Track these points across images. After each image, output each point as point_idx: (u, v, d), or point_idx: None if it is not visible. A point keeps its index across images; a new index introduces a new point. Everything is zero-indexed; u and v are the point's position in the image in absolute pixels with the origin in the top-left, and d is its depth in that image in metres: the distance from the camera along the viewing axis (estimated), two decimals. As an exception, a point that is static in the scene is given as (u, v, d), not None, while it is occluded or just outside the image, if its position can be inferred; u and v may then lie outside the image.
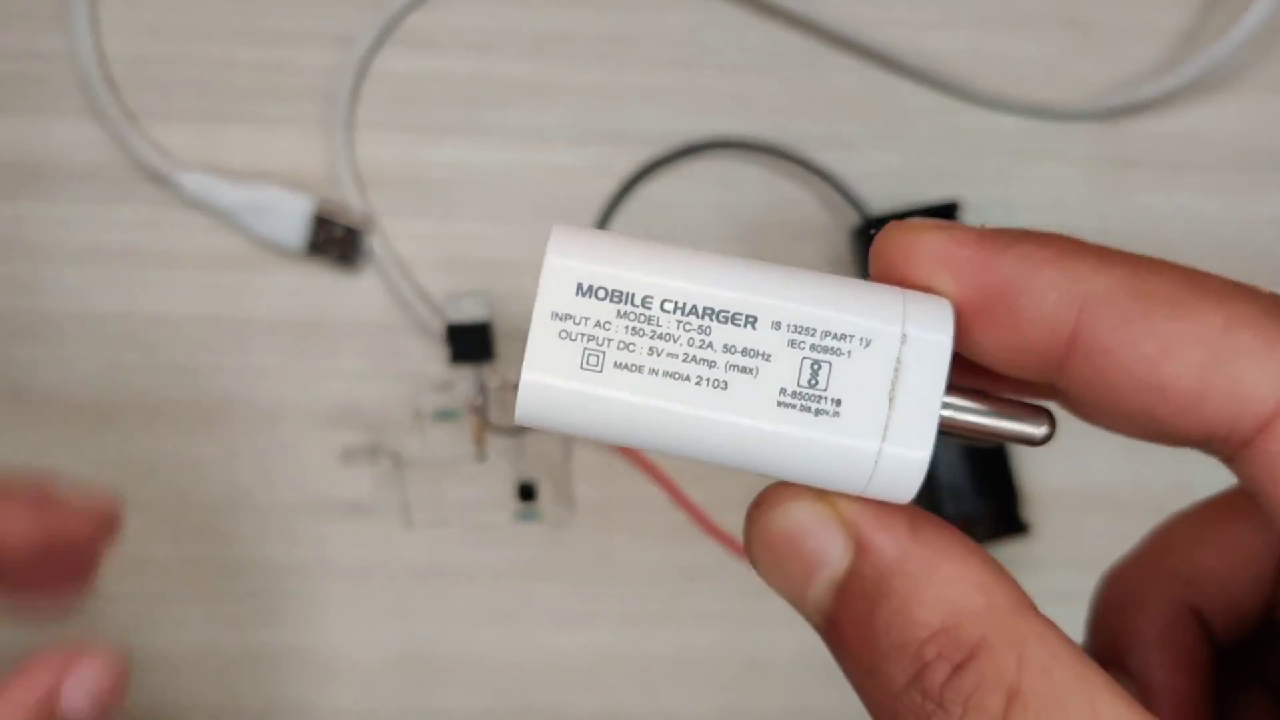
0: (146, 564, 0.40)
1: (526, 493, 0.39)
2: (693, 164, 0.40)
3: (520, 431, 0.38)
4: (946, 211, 0.39)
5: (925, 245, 0.16)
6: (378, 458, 0.38)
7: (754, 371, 0.15)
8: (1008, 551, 0.39)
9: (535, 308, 0.16)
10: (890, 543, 0.16)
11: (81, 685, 0.24)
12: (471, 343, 0.37)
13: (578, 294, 0.16)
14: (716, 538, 0.39)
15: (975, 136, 0.41)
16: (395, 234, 0.40)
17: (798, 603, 0.17)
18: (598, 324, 0.16)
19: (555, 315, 0.16)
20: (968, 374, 0.17)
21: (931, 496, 0.38)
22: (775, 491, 0.17)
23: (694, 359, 0.15)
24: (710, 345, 0.15)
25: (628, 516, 0.40)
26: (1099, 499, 0.40)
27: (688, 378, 0.15)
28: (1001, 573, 0.16)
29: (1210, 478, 0.44)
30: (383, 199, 0.40)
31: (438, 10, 0.41)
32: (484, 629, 0.40)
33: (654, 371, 0.15)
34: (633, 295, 0.16)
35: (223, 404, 0.40)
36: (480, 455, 0.38)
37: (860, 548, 0.16)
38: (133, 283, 0.40)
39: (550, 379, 0.16)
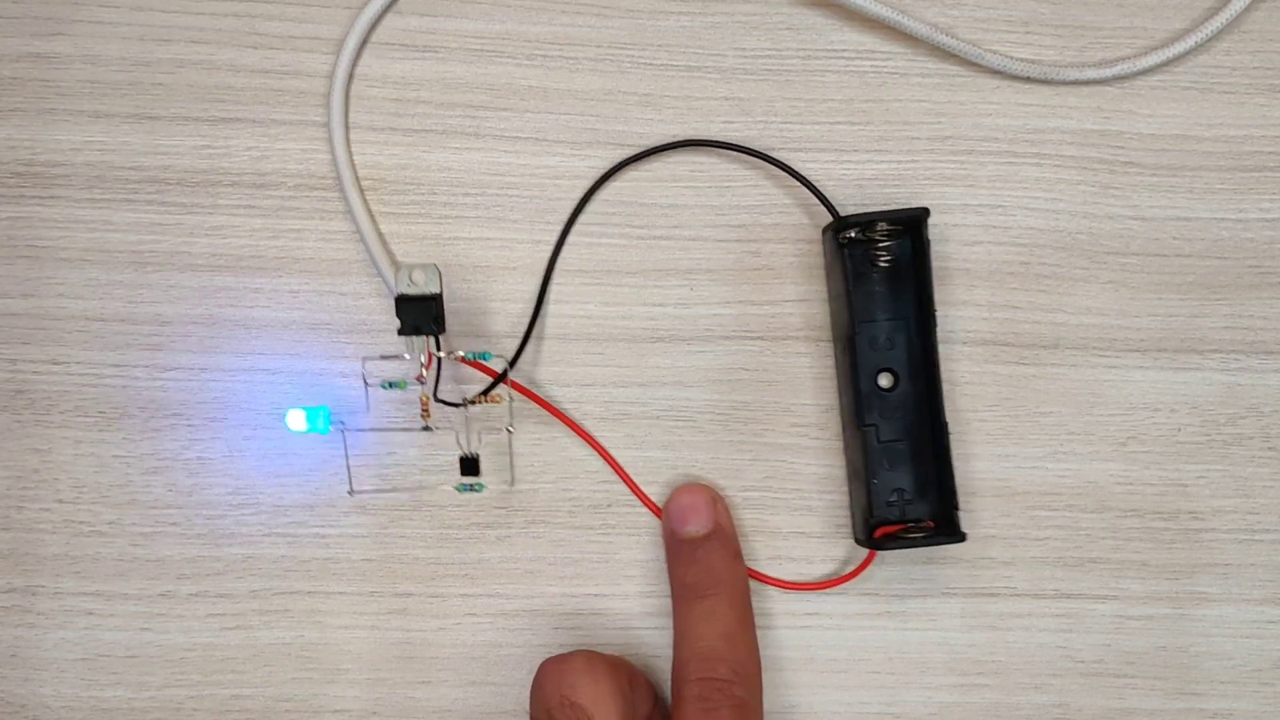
0: (151, 563, 0.40)
1: (469, 466, 0.39)
2: (685, 164, 0.41)
3: (465, 405, 0.38)
4: (916, 218, 0.38)
5: None
6: (322, 422, 0.39)
7: None
8: (952, 551, 0.40)
9: None
10: None
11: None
12: (420, 315, 0.36)
13: None
14: (636, 493, 0.40)
15: (971, 139, 0.41)
16: (397, 237, 0.40)
17: None
18: None
19: None
20: None
21: (869, 502, 0.39)
22: None
23: None
24: None
25: (627, 516, 0.40)
26: (1052, 496, 0.40)
27: None
28: None
29: (1205, 480, 0.44)
30: (384, 202, 0.41)
31: (439, 15, 0.41)
32: (484, 627, 0.40)
33: None
34: None
35: (225, 405, 0.40)
36: (426, 426, 0.38)
37: None
38: (136, 284, 0.40)
39: None
